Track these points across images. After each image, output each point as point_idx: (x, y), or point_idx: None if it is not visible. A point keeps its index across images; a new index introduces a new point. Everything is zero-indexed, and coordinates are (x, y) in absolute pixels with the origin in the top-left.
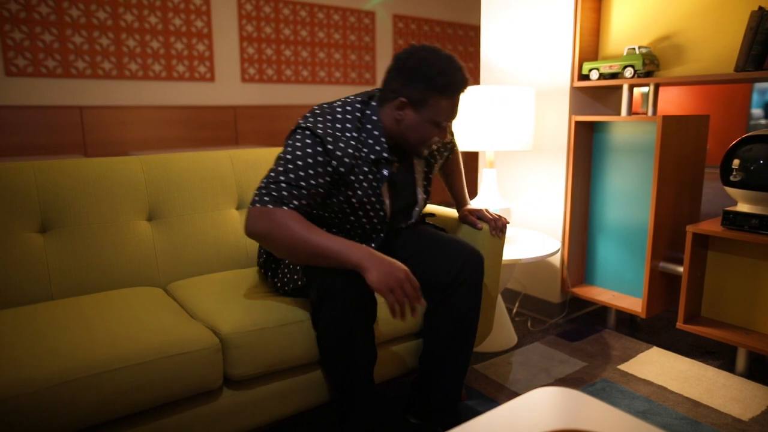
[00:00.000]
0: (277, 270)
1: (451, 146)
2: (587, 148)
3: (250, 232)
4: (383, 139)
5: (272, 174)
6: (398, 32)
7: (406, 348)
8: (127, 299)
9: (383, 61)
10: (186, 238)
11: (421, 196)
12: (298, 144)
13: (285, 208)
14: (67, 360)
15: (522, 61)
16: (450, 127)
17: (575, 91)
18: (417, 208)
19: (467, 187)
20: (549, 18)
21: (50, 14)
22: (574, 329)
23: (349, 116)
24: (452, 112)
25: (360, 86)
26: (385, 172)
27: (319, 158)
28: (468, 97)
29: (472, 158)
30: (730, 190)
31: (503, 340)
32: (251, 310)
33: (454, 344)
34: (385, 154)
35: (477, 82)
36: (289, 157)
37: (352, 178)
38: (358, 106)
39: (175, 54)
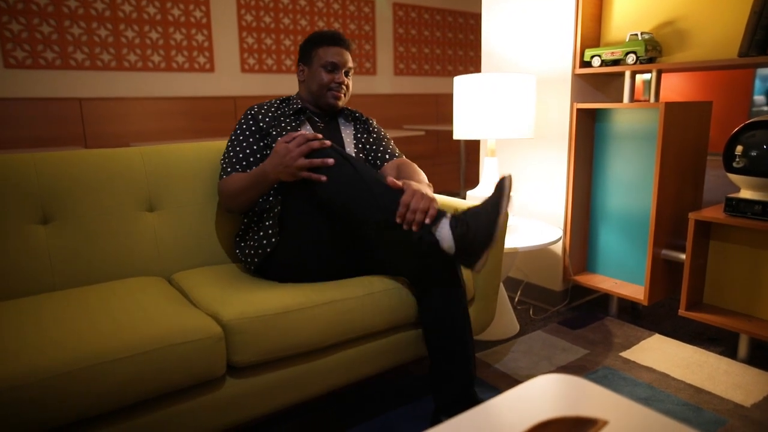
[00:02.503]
0: (245, 247)
1: (392, 150)
2: (589, 135)
3: (222, 204)
4: (299, 101)
5: (223, 157)
6: (398, 21)
7: (405, 338)
8: (130, 289)
9: (383, 50)
10: (187, 228)
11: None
12: (237, 126)
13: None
14: (70, 350)
15: (523, 49)
16: (345, 76)
17: (577, 79)
18: None
19: (468, 175)
20: (550, 4)
21: (48, 5)
22: (576, 317)
23: (278, 99)
24: (336, 57)
25: (359, 76)
26: (302, 117)
27: (245, 126)
28: (469, 85)
29: (473, 147)
30: (733, 177)
31: (505, 329)
32: (253, 298)
33: (448, 332)
34: (299, 106)
35: (478, 69)
36: (230, 141)
37: (276, 126)
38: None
39: (174, 45)
